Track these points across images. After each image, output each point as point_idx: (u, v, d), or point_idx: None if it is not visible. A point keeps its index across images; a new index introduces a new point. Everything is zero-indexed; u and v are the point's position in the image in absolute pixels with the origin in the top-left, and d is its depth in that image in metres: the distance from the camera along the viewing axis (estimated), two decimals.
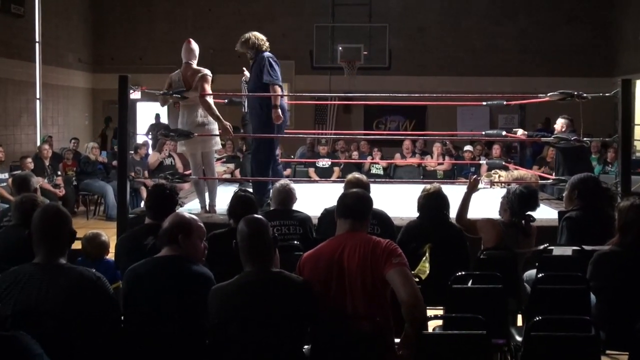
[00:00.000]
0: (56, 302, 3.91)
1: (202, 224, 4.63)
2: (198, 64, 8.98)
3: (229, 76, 14.13)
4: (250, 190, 7.27)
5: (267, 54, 9.09)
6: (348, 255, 4.36)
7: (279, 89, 9.01)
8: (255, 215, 4.57)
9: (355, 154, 16.24)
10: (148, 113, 21.36)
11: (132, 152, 14.57)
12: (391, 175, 15.34)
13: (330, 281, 4.34)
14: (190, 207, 9.33)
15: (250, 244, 4.21)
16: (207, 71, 8.85)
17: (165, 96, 8.97)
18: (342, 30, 19.75)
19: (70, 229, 4.27)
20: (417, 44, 21.50)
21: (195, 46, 8.98)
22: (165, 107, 9.12)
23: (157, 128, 18.96)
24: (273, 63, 9.00)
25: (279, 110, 8.92)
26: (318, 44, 19.71)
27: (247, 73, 10.80)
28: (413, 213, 6.77)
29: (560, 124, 10.45)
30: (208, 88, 8.77)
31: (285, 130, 9.70)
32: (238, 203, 6.11)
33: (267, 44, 9.18)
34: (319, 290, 4.27)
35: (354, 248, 4.37)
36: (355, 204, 4.61)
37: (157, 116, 20.96)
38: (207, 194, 9.23)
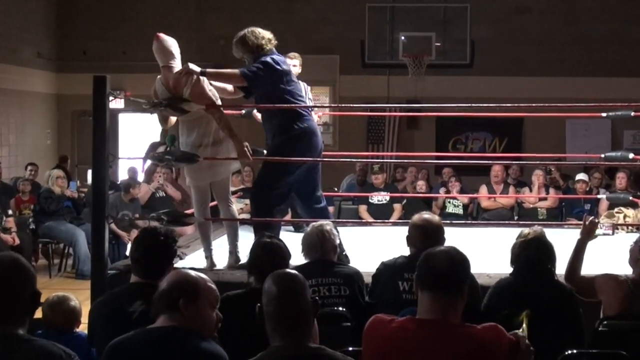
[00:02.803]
0: None
1: (213, 286, 4.64)
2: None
3: None
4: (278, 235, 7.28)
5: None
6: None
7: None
8: (288, 271, 4.60)
9: (421, 183, 16.09)
10: (134, 128, 21.34)
11: (121, 191, 14.65)
12: (474, 215, 15.34)
13: None
14: (192, 260, 9.26)
15: (280, 309, 4.20)
16: (195, 75, 8.40)
17: (159, 110, 8.75)
18: (406, 13, 19.73)
19: (33, 290, 4.20)
20: (511, 31, 21.34)
21: (169, 43, 8.64)
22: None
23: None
24: (262, 64, 8.59)
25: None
26: (372, 33, 19.61)
27: None
28: (505, 268, 6.76)
29: None
30: (209, 94, 8.55)
31: (323, 154, 9.50)
32: (263, 253, 6.14)
33: (270, 45, 8.73)
34: None
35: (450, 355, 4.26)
36: (448, 270, 4.43)
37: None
38: (226, 239, 9.11)
